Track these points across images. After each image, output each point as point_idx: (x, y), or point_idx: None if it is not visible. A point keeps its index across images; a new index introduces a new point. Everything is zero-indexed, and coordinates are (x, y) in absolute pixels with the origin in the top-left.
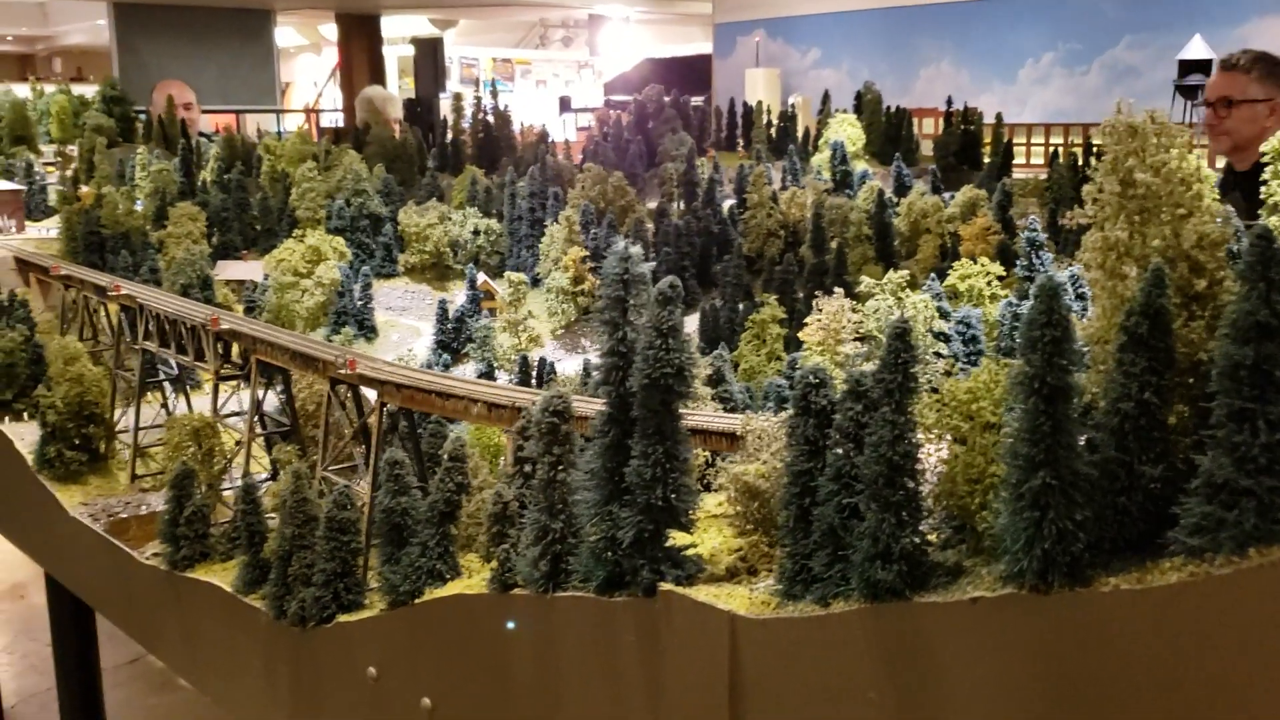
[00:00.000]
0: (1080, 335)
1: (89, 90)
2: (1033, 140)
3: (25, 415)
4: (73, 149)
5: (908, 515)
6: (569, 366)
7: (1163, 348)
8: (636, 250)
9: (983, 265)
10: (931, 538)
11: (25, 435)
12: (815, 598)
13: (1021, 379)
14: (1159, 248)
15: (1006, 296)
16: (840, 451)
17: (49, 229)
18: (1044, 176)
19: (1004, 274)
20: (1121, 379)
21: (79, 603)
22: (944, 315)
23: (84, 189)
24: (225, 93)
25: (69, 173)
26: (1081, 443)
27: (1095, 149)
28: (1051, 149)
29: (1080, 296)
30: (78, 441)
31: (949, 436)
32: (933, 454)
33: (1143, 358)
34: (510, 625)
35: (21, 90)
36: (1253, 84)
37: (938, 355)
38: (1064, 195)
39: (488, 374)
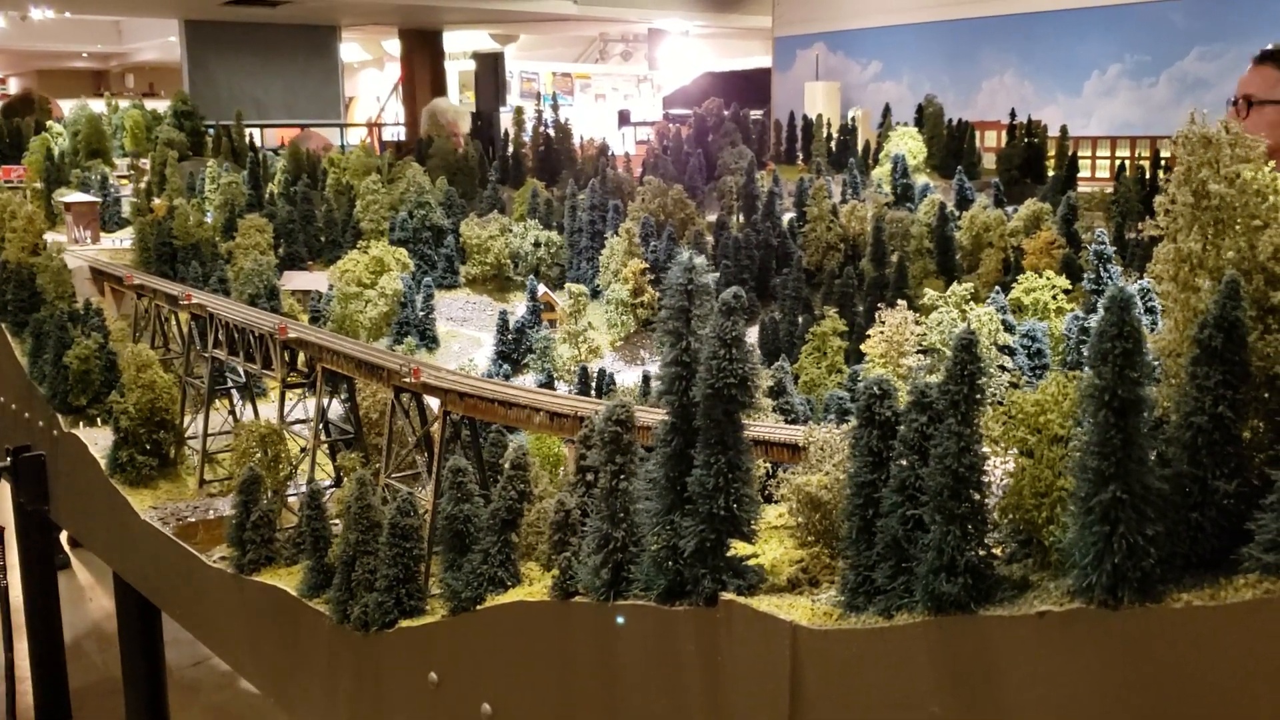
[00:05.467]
0: (1151, 348)
1: (161, 105)
2: (1098, 153)
3: (99, 421)
4: (145, 162)
5: (973, 528)
6: (628, 378)
7: (1237, 361)
8: (701, 261)
9: (1048, 279)
10: (997, 551)
11: (99, 440)
12: (878, 610)
13: (1092, 391)
14: (1234, 259)
15: (1072, 310)
16: (905, 463)
17: (123, 240)
18: (1110, 190)
19: (1069, 288)
20: (1194, 392)
21: (146, 603)
22: (1009, 329)
23: (156, 201)
24: (291, 107)
25: (142, 185)
26: (1153, 457)
27: (1164, 161)
28: (1118, 162)
29: (1150, 310)
30: (148, 446)
31: (1015, 449)
32: (998, 466)
33: (1216, 371)
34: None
35: (96, 105)
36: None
37: (1002, 369)
38: (1131, 208)
39: (548, 384)
